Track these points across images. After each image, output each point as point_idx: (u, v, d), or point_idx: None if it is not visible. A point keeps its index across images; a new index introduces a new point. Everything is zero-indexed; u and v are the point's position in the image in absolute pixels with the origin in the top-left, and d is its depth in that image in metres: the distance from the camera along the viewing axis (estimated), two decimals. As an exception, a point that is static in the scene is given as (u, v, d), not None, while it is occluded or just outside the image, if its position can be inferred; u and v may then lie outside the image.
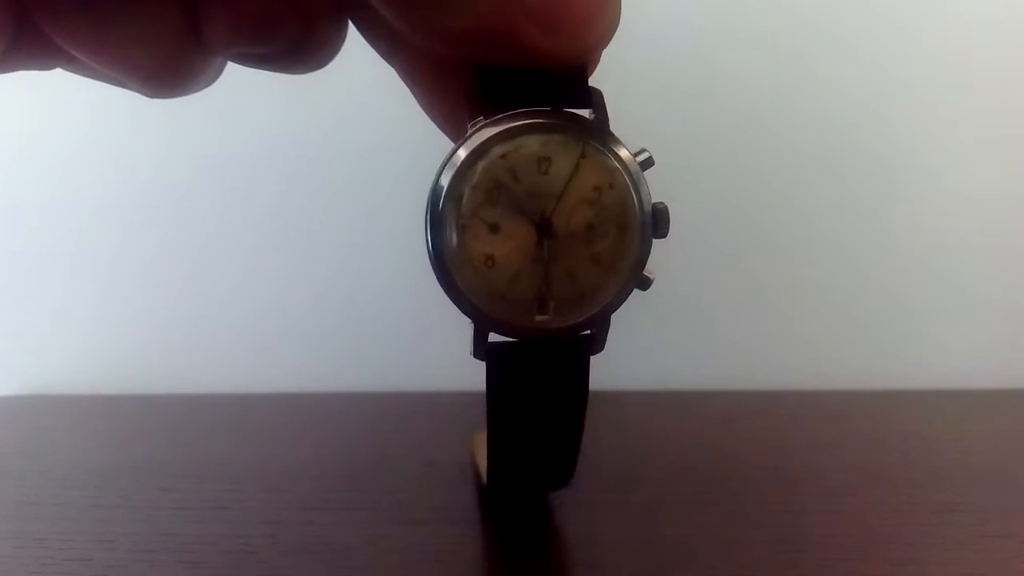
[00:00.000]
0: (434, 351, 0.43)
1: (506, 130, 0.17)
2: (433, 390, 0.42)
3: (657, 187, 0.18)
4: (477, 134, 0.17)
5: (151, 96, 0.17)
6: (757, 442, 0.34)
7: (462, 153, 0.17)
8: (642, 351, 0.41)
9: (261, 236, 0.44)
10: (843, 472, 0.30)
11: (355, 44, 0.18)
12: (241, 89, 0.41)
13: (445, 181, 0.17)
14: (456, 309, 0.18)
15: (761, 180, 0.42)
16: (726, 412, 0.37)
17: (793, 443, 0.34)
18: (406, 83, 0.19)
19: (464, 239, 0.17)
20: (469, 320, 0.18)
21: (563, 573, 0.24)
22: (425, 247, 0.17)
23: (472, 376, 0.41)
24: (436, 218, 0.17)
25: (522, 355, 0.18)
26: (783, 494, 0.28)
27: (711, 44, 0.41)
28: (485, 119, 0.17)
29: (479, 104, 0.17)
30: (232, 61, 0.16)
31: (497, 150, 0.17)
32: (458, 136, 0.18)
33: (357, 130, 0.42)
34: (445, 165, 0.17)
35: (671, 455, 0.32)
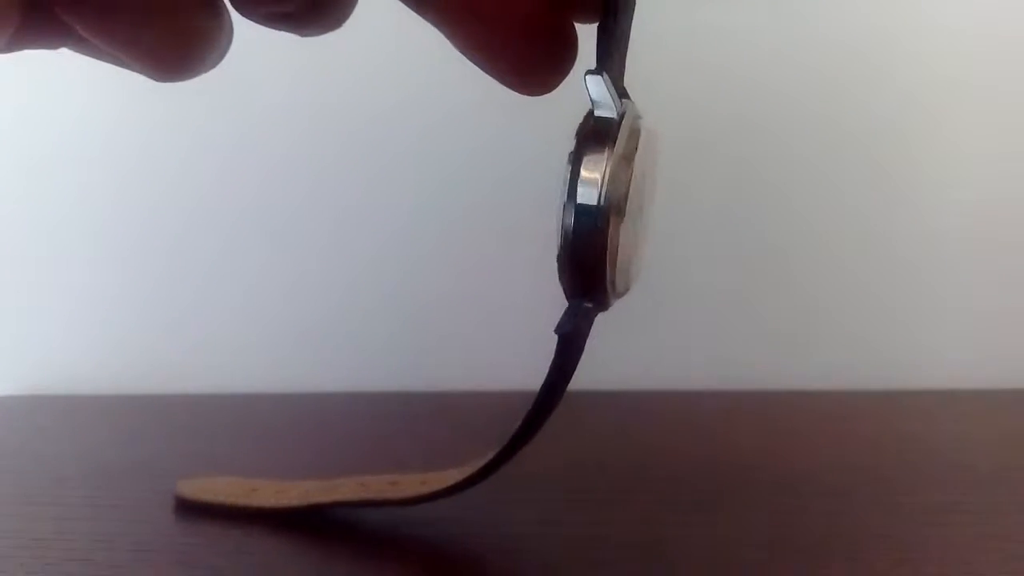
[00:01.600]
0: (436, 352, 0.43)
1: (634, 124, 0.18)
2: (435, 390, 0.42)
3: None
4: (623, 131, 0.17)
5: (159, 78, 0.17)
6: (757, 442, 0.34)
7: (620, 150, 0.17)
8: (642, 351, 0.42)
9: (262, 238, 0.44)
10: (843, 472, 0.30)
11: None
12: (251, 92, 0.41)
13: (606, 175, 0.17)
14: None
15: (759, 181, 0.42)
16: (726, 412, 0.37)
17: (793, 443, 0.34)
18: (449, 32, 0.18)
19: (612, 230, 0.17)
20: (592, 305, 0.18)
21: (564, 573, 0.24)
22: (563, 235, 0.17)
23: (472, 377, 0.41)
24: (592, 210, 0.17)
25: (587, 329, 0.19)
26: (783, 494, 0.28)
27: (717, 46, 0.41)
28: (619, 116, 0.17)
29: (609, 89, 0.17)
30: (245, 16, 0.16)
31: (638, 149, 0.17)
32: (523, 84, 0.18)
33: (362, 133, 0.42)
34: (609, 160, 0.17)
35: (670, 455, 0.32)
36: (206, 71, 0.17)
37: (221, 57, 0.17)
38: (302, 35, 0.17)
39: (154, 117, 0.42)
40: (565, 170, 0.17)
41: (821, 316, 0.43)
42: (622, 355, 0.39)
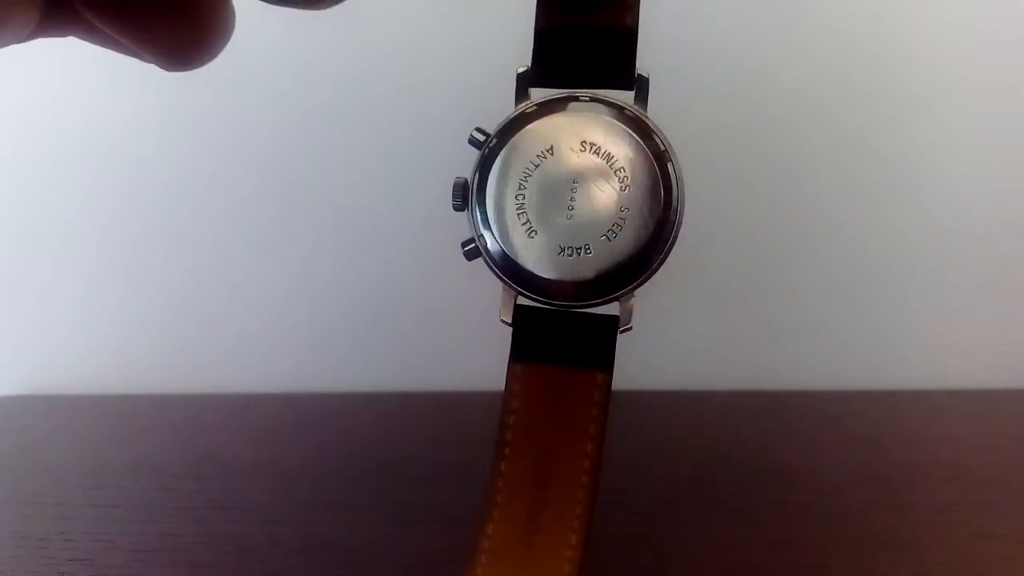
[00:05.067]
0: (435, 351, 0.43)
1: None
2: (434, 390, 0.42)
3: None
4: None
5: (169, 68, 0.17)
6: (757, 442, 0.34)
7: None
8: (641, 352, 0.41)
9: (262, 237, 0.44)
10: (843, 472, 0.30)
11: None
12: (246, 93, 0.41)
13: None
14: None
15: (759, 181, 0.42)
16: (726, 412, 0.37)
17: (793, 443, 0.34)
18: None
19: None
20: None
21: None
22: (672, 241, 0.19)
23: (472, 376, 0.41)
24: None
25: None
26: (783, 494, 0.28)
27: (727, 47, 0.41)
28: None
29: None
30: None
31: None
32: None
33: (365, 132, 0.42)
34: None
35: (671, 455, 0.32)
36: (212, 60, 0.17)
37: (225, 45, 0.18)
38: (308, 7, 0.17)
39: (153, 125, 0.42)
40: (670, 170, 0.18)
41: (821, 317, 0.43)
42: (622, 355, 0.39)
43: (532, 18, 0.18)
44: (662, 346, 0.42)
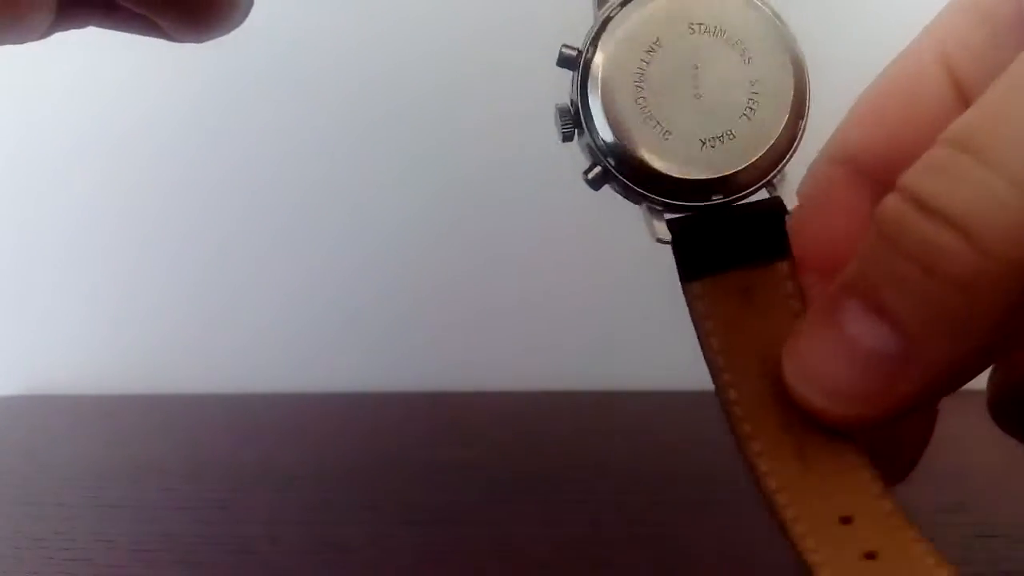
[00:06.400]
0: (436, 352, 0.43)
1: None
2: (435, 390, 0.42)
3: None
4: None
5: (186, 36, 0.17)
6: (757, 442, 0.34)
7: None
8: (642, 351, 0.41)
9: (262, 237, 0.44)
10: (843, 472, 0.30)
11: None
12: (253, 92, 0.41)
13: None
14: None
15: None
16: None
17: (793, 443, 0.34)
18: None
19: None
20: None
21: (564, 573, 0.24)
22: None
23: (472, 376, 0.41)
24: None
25: None
26: (783, 494, 0.28)
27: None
28: None
29: None
30: None
31: None
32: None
33: (368, 131, 0.42)
34: None
35: (671, 455, 0.32)
36: (233, 28, 0.17)
37: (247, 13, 0.17)
38: None
39: (159, 125, 0.42)
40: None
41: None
42: (622, 355, 0.39)
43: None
44: (661, 346, 0.42)
